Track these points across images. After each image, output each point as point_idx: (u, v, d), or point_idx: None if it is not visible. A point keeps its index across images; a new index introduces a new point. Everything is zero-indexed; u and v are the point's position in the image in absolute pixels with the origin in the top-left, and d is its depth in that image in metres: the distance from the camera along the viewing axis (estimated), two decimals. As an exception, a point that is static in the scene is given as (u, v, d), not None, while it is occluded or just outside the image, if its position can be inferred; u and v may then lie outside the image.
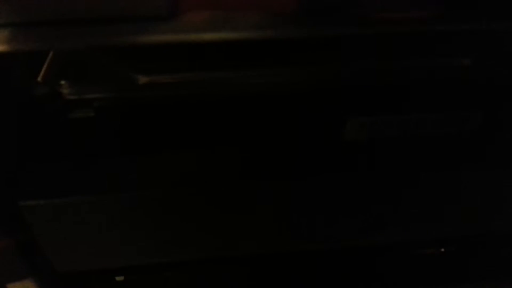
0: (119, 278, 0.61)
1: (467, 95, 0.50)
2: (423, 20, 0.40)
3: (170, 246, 0.48)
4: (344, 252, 0.60)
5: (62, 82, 0.45)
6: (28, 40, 0.37)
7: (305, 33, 0.37)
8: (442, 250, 0.64)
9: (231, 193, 0.45)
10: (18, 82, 0.45)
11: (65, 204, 0.42)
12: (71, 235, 0.44)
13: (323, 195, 0.48)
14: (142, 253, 0.47)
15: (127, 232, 0.45)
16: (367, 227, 0.52)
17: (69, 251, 0.46)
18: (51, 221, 0.42)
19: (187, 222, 0.46)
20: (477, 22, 0.41)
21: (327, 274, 0.62)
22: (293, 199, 0.47)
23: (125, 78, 0.44)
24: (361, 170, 0.48)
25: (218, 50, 0.43)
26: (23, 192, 0.41)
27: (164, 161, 0.44)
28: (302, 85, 0.46)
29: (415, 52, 0.49)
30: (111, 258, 0.47)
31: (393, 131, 0.49)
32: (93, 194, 0.42)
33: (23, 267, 0.46)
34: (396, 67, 0.49)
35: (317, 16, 0.37)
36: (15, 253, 0.44)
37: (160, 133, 0.45)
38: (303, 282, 0.61)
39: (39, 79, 0.44)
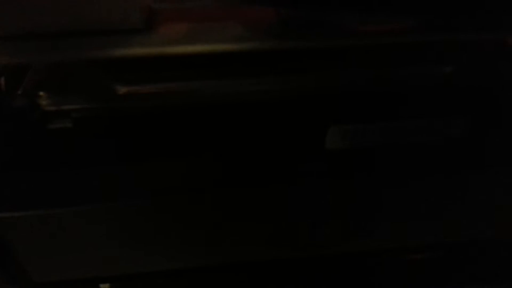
0: (104, 286, 0.61)
1: (450, 102, 0.51)
2: (404, 31, 0.40)
3: (153, 255, 0.47)
4: (335, 259, 0.60)
5: (41, 93, 0.44)
6: (4, 53, 0.36)
7: (284, 45, 0.37)
8: (435, 254, 0.64)
9: (212, 200, 0.45)
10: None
11: (42, 216, 0.41)
12: (48, 246, 0.44)
13: (308, 202, 0.48)
14: (123, 263, 0.47)
15: (107, 242, 0.45)
16: (357, 233, 0.52)
17: (46, 261, 0.45)
18: (28, 232, 0.42)
19: (170, 231, 0.46)
20: (458, 32, 0.41)
21: (317, 281, 0.62)
22: (278, 206, 0.47)
23: (104, 89, 0.44)
24: (346, 177, 0.48)
25: (196, 61, 0.42)
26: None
27: (145, 171, 0.44)
28: (283, 94, 0.46)
29: (397, 61, 0.48)
30: (91, 268, 0.47)
31: (376, 139, 0.49)
32: (71, 206, 0.42)
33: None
34: (378, 75, 0.49)
35: (297, 28, 0.37)
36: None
37: (140, 143, 0.45)
38: None
39: (18, 91, 0.44)
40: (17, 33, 0.36)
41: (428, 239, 0.55)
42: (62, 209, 0.42)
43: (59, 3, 0.36)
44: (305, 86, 0.46)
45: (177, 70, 0.44)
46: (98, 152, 0.44)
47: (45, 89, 0.44)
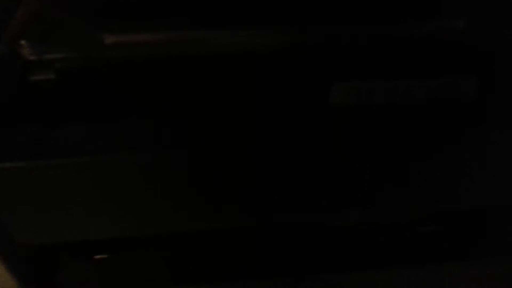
0: (98, 257, 0.59)
1: (461, 60, 0.47)
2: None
3: (142, 216, 0.45)
4: (339, 230, 0.58)
5: (22, 42, 0.41)
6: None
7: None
8: (439, 227, 0.61)
9: (202, 161, 0.42)
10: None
11: (25, 168, 0.39)
12: (32, 204, 0.41)
13: (310, 168, 0.45)
14: (110, 224, 0.45)
15: (91, 201, 0.42)
16: (361, 203, 0.49)
17: (30, 221, 0.42)
18: (11, 187, 0.40)
19: (157, 192, 0.43)
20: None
21: (322, 252, 0.60)
22: (281, 170, 0.44)
23: (89, 38, 0.41)
24: (350, 140, 0.45)
25: (189, 7, 0.39)
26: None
27: (130, 126, 0.41)
28: (284, 47, 0.43)
29: (405, 15, 0.45)
30: (77, 230, 0.44)
31: (381, 98, 0.46)
32: (54, 158, 0.39)
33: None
34: (384, 31, 0.46)
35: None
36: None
37: (126, 97, 0.42)
38: (298, 260, 0.58)
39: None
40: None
41: (433, 209, 0.52)
42: (45, 161, 0.39)
43: None
44: (309, 41, 0.43)
45: (168, 18, 0.41)
46: (82, 105, 0.42)
47: (27, 38, 0.41)
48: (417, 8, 0.46)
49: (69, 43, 0.41)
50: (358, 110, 0.45)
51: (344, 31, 0.45)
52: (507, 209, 0.53)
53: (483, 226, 0.55)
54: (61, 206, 0.42)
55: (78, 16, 0.42)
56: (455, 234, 0.58)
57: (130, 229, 0.46)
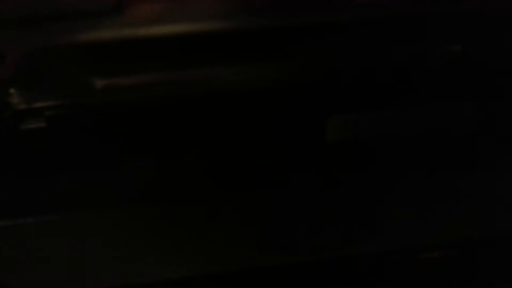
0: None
1: (459, 85, 0.46)
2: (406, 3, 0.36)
3: (140, 266, 0.43)
4: (343, 261, 0.56)
5: (11, 90, 0.40)
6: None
7: (270, 22, 0.33)
8: (444, 254, 0.60)
9: (203, 206, 0.41)
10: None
11: (16, 226, 0.37)
12: (27, 259, 0.40)
13: (309, 202, 0.44)
14: (104, 275, 0.43)
15: (87, 254, 0.41)
16: (362, 235, 0.48)
17: (27, 276, 0.41)
18: (3, 244, 0.38)
19: (159, 239, 0.42)
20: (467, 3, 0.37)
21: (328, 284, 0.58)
22: (279, 207, 0.43)
23: (80, 83, 0.40)
24: (351, 172, 0.44)
25: (178, 46, 0.38)
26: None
27: (126, 174, 0.40)
28: (275, 82, 0.42)
29: (399, 40, 0.44)
30: (73, 282, 0.43)
31: (379, 129, 0.45)
32: (48, 214, 0.38)
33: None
34: (379, 56, 0.45)
35: (285, 1, 0.33)
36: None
37: (121, 143, 0.41)
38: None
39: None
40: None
41: (438, 238, 0.51)
42: (38, 217, 0.38)
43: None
44: (298, 72, 0.42)
45: (158, 58, 0.40)
46: (75, 155, 0.41)
47: (16, 86, 0.40)
48: (411, 34, 0.45)
49: (59, 89, 0.40)
50: (356, 144, 0.44)
51: (336, 63, 0.44)
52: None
53: (494, 255, 0.54)
54: (53, 260, 0.40)
55: (67, 61, 0.41)
56: (463, 261, 0.57)
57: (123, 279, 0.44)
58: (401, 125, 0.44)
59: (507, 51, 0.45)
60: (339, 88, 0.43)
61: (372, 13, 0.35)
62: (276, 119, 0.42)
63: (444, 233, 0.50)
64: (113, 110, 0.42)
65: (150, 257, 0.42)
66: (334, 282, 0.58)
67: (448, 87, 0.46)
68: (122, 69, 0.40)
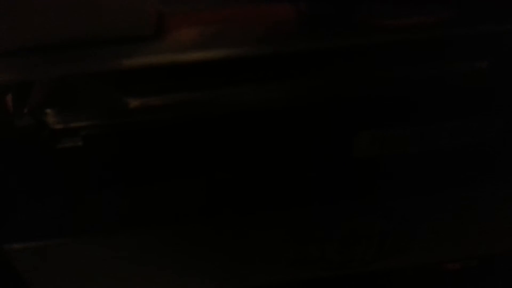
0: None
1: (485, 102, 0.47)
2: (431, 25, 0.37)
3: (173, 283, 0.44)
4: (362, 278, 0.57)
5: (48, 111, 0.41)
6: (8, 70, 0.34)
7: (306, 45, 0.34)
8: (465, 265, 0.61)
9: (241, 222, 0.42)
10: (2, 114, 0.42)
11: (53, 246, 0.38)
12: (63, 278, 0.41)
13: (336, 219, 0.45)
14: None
15: (125, 272, 0.41)
16: (389, 251, 0.48)
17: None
18: (41, 264, 0.39)
19: (189, 257, 0.43)
20: (492, 24, 0.38)
21: None
22: (302, 225, 0.44)
23: (114, 103, 0.41)
24: (376, 190, 0.44)
25: (212, 68, 0.39)
26: (8, 234, 0.37)
27: (163, 192, 0.41)
28: (306, 100, 0.43)
29: (425, 59, 0.45)
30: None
31: (408, 145, 0.46)
32: (86, 234, 0.39)
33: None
34: (405, 75, 0.46)
35: (319, 26, 0.34)
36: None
37: (156, 161, 0.42)
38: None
39: (24, 109, 0.41)
40: (21, 48, 0.33)
41: (464, 252, 0.52)
42: (75, 238, 0.39)
43: (63, 14, 0.33)
44: (330, 90, 0.43)
45: (192, 79, 0.41)
46: (112, 171, 0.41)
47: (52, 107, 0.41)
48: (437, 50, 0.46)
49: (93, 109, 0.41)
50: (383, 159, 0.45)
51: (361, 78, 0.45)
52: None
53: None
54: (89, 278, 0.41)
55: (103, 83, 0.42)
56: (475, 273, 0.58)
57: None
58: (430, 140, 0.45)
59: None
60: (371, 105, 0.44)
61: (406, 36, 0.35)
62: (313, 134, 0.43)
63: (468, 246, 0.51)
64: (146, 128, 0.43)
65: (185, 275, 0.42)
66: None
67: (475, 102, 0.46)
68: (155, 90, 0.41)
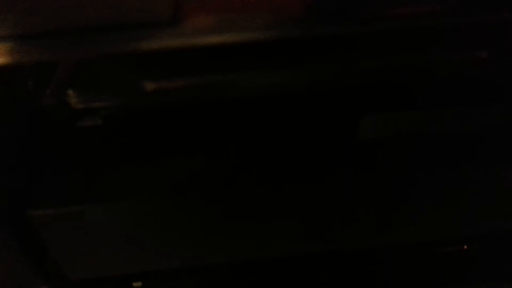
0: (137, 284, 0.61)
1: (486, 89, 0.49)
2: (436, 14, 0.39)
3: (183, 251, 0.47)
4: (361, 253, 0.59)
5: (70, 92, 0.44)
6: (31, 51, 0.36)
7: (313, 32, 0.36)
8: (465, 247, 0.62)
9: (244, 196, 0.44)
10: (27, 94, 0.44)
11: (73, 212, 0.41)
12: (81, 243, 0.44)
13: (340, 195, 0.47)
14: (154, 259, 0.47)
15: (138, 238, 0.44)
16: (386, 227, 0.50)
17: (81, 258, 0.45)
18: (61, 229, 0.42)
19: (198, 227, 0.45)
20: (493, 14, 0.40)
21: (345, 276, 0.61)
22: (310, 200, 0.46)
23: (132, 85, 0.43)
24: (378, 168, 0.47)
25: (225, 53, 0.42)
26: (33, 201, 0.40)
27: (174, 167, 0.43)
28: (316, 84, 0.45)
29: (429, 47, 0.47)
30: (122, 265, 0.47)
31: (410, 127, 0.48)
32: (102, 202, 0.42)
33: (36, 277, 0.46)
34: (410, 62, 0.48)
35: (327, 12, 0.36)
36: (28, 263, 0.44)
37: (169, 139, 0.45)
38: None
39: (46, 90, 0.44)
40: (43, 30, 0.36)
41: (463, 231, 0.54)
42: (92, 205, 0.41)
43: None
44: (337, 75, 0.45)
45: (206, 64, 0.43)
46: (128, 149, 0.44)
47: (73, 88, 0.44)
48: (440, 39, 0.48)
49: (113, 91, 0.44)
50: (387, 142, 0.47)
51: (368, 64, 0.47)
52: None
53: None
54: (110, 244, 0.44)
55: (122, 66, 0.44)
56: (477, 255, 0.60)
57: (171, 262, 0.48)
58: (432, 123, 0.47)
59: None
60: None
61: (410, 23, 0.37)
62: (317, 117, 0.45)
63: (469, 224, 0.52)
64: (161, 109, 0.45)
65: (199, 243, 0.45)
66: (353, 274, 0.61)
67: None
68: (170, 74, 0.44)
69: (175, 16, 0.35)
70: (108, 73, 0.44)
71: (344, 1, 0.35)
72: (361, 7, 0.35)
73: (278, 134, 0.45)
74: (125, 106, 0.44)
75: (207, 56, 0.43)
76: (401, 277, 0.62)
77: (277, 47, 0.42)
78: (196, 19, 0.35)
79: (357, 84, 0.46)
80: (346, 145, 0.47)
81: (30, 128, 0.44)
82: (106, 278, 0.57)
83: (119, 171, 0.43)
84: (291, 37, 0.36)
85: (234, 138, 0.46)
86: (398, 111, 0.47)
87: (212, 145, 0.45)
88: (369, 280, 0.61)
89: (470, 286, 0.63)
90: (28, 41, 0.35)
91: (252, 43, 0.36)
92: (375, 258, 0.57)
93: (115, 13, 0.36)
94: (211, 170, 0.43)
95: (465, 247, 0.62)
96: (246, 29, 0.36)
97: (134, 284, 0.61)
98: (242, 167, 0.45)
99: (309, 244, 0.49)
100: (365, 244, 0.51)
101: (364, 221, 0.48)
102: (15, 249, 0.42)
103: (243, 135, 0.46)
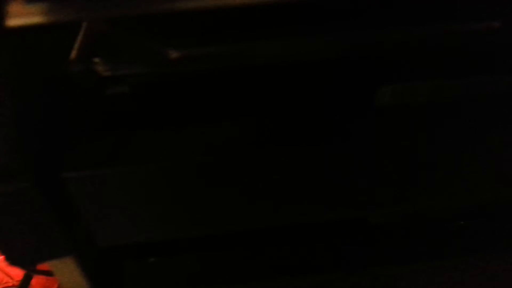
0: (152, 260, 0.63)
1: (498, 59, 0.50)
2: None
3: (207, 218, 0.48)
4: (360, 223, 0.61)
5: (96, 59, 0.46)
6: (59, 12, 0.37)
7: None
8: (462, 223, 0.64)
9: (266, 162, 0.45)
10: (55, 59, 0.46)
11: (105, 174, 0.42)
12: (112, 207, 0.45)
13: (357, 161, 0.48)
14: (177, 225, 0.48)
15: (164, 204, 0.46)
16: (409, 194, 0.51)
17: (111, 224, 0.46)
18: (93, 192, 0.43)
19: (223, 193, 0.47)
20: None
21: (346, 245, 0.63)
22: (320, 166, 0.47)
23: (156, 54, 0.45)
24: (390, 137, 0.47)
25: (245, 21, 0.43)
26: (66, 165, 0.42)
27: (198, 133, 0.45)
28: (334, 52, 0.46)
29: (441, 17, 0.48)
30: (150, 231, 0.48)
31: (424, 97, 0.49)
32: (131, 165, 0.43)
33: (64, 245, 0.47)
34: (422, 32, 0.49)
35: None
36: (61, 229, 0.45)
37: (193, 106, 0.46)
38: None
39: (72, 57, 0.45)
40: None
41: (482, 199, 0.55)
42: (123, 168, 0.43)
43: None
44: (353, 44, 0.46)
45: (230, 32, 0.45)
46: (155, 114, 0.46)
47: (100, 55, 0.45)
48: (452, 9, 0.49)
49: (138, 60, 0.45)
50: (404, 110, 0.48)
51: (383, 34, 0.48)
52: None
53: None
54: (139, 209, 0.45)
55: (144, 34, 0.45)
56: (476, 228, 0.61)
57: (196, 229, 0.49)
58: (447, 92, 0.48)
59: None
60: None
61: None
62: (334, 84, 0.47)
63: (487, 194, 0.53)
64: (185, 77, 0.47)
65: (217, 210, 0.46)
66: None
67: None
68: (193, 42, 0.45)
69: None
70: (133, 40, 0.45)
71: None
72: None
73: (300, 99, 0.47)
74: (151, 74, 0.46)
75: (233, 23, 0.45)
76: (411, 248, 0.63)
77: (305, 14, 0.43)
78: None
79: (375, 53, 0.48)
80: (365, 110, 0.48)
81: (60, 96, 0.46)
82: (129, 249, 0.58)
83: (147, 137, 0.44)
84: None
85: (259, 105, 0.47)
86: (413, 81, 0.49)
87: (238, 111, 0.46)
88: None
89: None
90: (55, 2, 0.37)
91: (278, 8, 0.37)
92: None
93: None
94: (238, 134, 0.45)
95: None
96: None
97: (150, 260, 0.64)
98: (268, 132, 0.46)
99: (330, 211, 0.50)
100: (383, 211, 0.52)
101: (383, 187, 0.49)
102: (49, 216, 0.43)
103: (268, 101, 0.48)
